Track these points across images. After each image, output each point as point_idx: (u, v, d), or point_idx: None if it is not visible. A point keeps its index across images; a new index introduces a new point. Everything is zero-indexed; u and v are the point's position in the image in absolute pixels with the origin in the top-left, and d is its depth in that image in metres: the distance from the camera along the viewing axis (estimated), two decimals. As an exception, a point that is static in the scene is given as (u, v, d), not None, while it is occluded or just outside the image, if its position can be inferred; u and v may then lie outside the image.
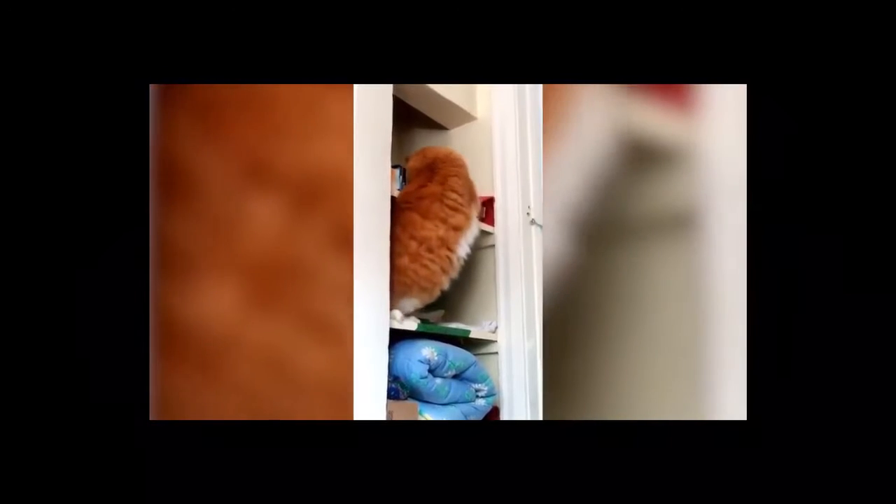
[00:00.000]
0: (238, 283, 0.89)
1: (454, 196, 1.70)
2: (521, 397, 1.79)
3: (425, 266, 1.61)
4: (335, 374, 0.90)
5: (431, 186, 1.71)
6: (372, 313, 1.41)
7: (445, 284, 1.68)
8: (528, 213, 1.91)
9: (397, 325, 1.55)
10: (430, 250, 1.62)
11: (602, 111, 1.02)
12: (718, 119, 0.98)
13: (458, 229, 1.69)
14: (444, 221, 1.66)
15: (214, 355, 0.89)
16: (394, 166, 1.71)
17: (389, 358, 1.46)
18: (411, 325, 1.61)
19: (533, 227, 1.91)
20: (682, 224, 0.97)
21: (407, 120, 2.13)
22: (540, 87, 2.06)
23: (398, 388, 1.55)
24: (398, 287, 1.57)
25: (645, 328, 0.98)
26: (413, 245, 1.61)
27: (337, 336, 0.91)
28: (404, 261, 1.59)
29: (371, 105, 1.48)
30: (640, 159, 1.00)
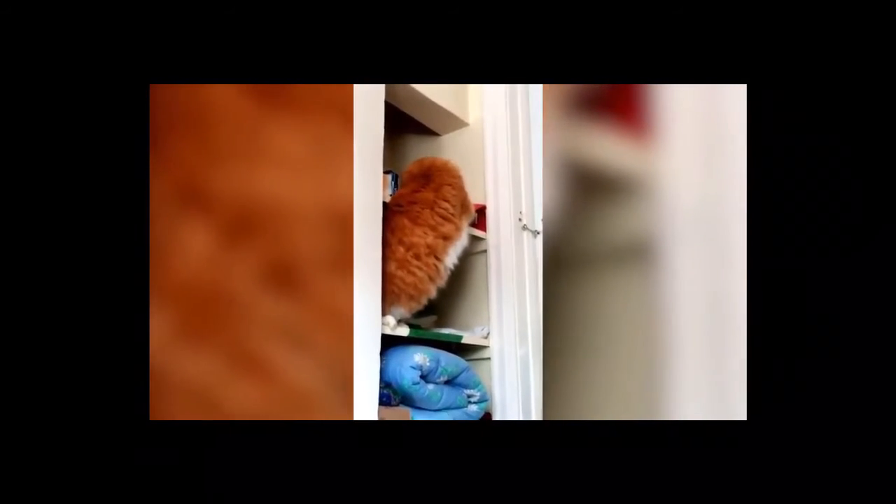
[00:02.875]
0: (169, 313, 0.87)
1: (446, 205, 1.70)
2: (513, 403, 1.79)
3: (412, 273, 1.60)
4: (269, 414, 0.88)
5: (425, 193, 1.70)
6: (364, 319, 1.41)
7: (432, 293, 1.67)
8: (520, 219, 1.92)
9: (389, 332, 1.54)
10: (417, 257, 1.61)
11: (559, 140, 1.02)
12: (675, 148, 0.98)
13: (447, 238, 1.68)
14: (433, 229, 1.65)
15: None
16: (385, 172, 1.70)
17: (381, 364, 1.46)
18: (403, 330, 1.61)
19: (525, 233, 1.91)
20: (639, 253, 0.98)
21: (398, 126, 2.13)
22: (531, 93, 2.07)
23: (390, 394, 1.55)
24: (386, 295, 1.56)
25: (608, 354, 1.00)
26: (401, 251, 1.60)
27: (269, 375, 0.87)
28: (391, 267, 1.58)
29: (363, 110, 1.48)
30: (598, 188, 1.01)
